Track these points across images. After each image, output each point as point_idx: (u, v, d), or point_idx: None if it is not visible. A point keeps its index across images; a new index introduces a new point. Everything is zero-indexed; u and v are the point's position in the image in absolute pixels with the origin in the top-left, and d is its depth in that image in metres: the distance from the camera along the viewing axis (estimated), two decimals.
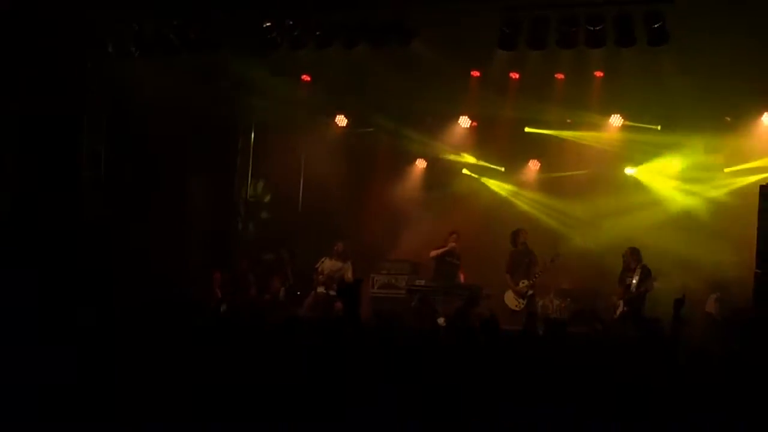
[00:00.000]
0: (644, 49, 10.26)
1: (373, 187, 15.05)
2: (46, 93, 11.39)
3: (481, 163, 15.40)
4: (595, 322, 11.62)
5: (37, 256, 10.60)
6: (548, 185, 14.91)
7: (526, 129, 14.59)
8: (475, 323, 7.53)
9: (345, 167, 14.82)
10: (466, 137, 15.17)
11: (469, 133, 15.10)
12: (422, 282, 13.42)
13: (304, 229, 15.24)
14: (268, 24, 11.19)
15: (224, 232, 14.98)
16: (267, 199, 15.73)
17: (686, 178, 13.95)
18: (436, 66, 11.97)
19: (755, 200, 10.43)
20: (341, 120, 15.19)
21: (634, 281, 11.97)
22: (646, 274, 11.86)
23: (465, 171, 15.54)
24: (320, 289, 13.26)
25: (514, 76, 13.04)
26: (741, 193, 13.04)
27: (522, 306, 12.69)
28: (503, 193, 15.38)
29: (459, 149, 15.36)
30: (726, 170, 13.57)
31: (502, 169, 15.33)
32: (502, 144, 14.86)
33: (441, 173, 15.50)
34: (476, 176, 15.50)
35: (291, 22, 11.12)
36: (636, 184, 14.39)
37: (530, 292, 12.85)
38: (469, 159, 15.46)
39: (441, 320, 11.75)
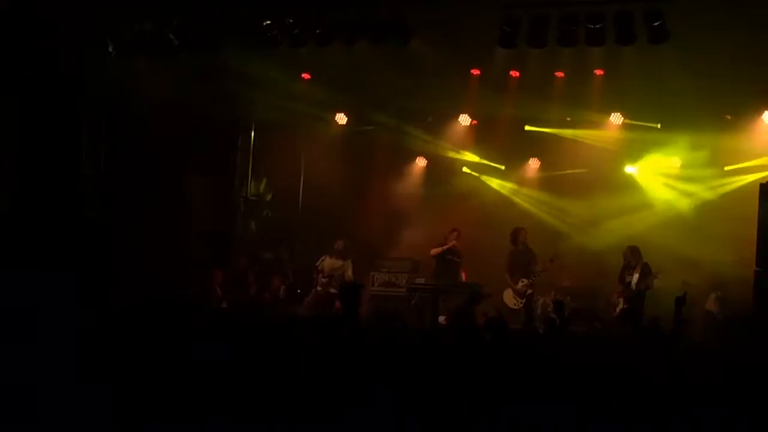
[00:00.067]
0: (644, 47, 10.27)
1: (374, 186, 15.04)
2: (46, 93, 11.39)
3: (482, 161, 15.41)
4: (595, 321, 11.61)
5: (37, 255, 10.60)
6: (548, 184, 14.91)
7: (527, 127, 14.58)
8: (477, 321, 7.52)
9: (345, 165, 14.81)
10: (467, 135, 15.17)
11: (470, 132, 15.09)
12: (422, 280, 13.41)
13: (305, 228, 15.25)
14: (268, 22, 11.19)
15: (224, 231, 14.98)
16: (269, 197, 15.74)
17: (686, 176, 13.94)
18: (437, 64, 11.96)
19: (755, 198, 10.42)
20: (341, 118, 15.19)
21: (634, 279, 11.97)
22: (646, 272, 11.86)
23: (465, 169, 15.54)
24: (320, 288, 13.26)
25: (514, 74, 13.03)
26: (741, 191, 13.04)
27: (520, 305, 12.71)
28: (503, 191, 15.38)
29: (459, 147, 15.36)
30: (726, 168, 13.56)
31: (503, 167, 15.34)
32: (503, 142, 14.85)
33: (441, 172, 15.50)
34: (476, 174, 15.50)
35: (291, 21, 11.12)
36: (636, 183, 14.39)
37: (529, 291, 12.85)
38: (470, 157, 15.46)
39: (442, 318, 11.75)
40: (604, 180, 14.29)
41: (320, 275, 13.31)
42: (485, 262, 13.44)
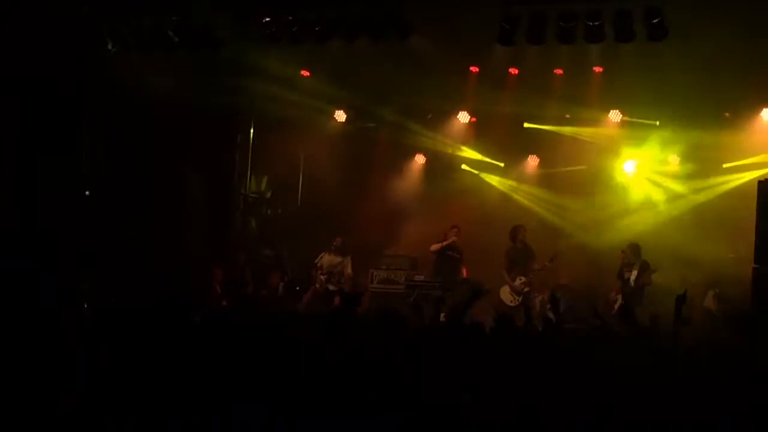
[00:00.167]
0: (643, 44, 10.27)
1: (373, 183, 15.05)
2: (46, 91, 11.38)
3: (481, 158, 15.42)
4: (594, 318, 11.60)
5: (37, 254, 10.59)
6: (547, 180, 14.92)
7: (525, 124, 14.60)
8: (477, 319, 7.53)
9: (344, 163, 14.83)
10: (466, 132, 15.19)
11: (469, 129, 15.11)
12: (422, 277, 13.44)
13: (304, 225, 15.24)
14: (267, 19, 11.19)
15: (224, 229, 14.98)
16: (269, 195, 15.75)
17: (685, 173, 13.96)
18: (435, 61, 11.96)
19: (754, 196, 10.43)
20: (340, 115, 15.19)
21: (632, 276, 11.99)
22: (645, 268, 11.88)
23: (464, 166, 15.56)
24: (319, 285, 13.27)
25: (513, 71, 13.05)
26: (739, 188, 13.07)
27: (517, 302, 12.70)
28: (502, 188, 15.40)
29: (458, 144, 15.37)
30: (725, 166, 13.59)
31: (502, 164, 15.36)
32: (502, 139, 14.87)
33: (440, 168, 15.53)
34: (476, 172, 15.52)
35: (290, 18, 11.12)
36: (635, 180, 14.40)
37: (526, 289, 12.86)
38: (469, 154, 15.47)
39: (441, 316, 11.73)
40: (603, 177, 14.32)
41: (319, 272, 13.32)
42: (484, 258, 13.46)
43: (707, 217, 13.10)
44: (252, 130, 15.36)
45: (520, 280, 12.90)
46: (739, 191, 12.88)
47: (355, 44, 11.24)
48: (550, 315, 8.95)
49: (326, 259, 13.39)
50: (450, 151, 15.46)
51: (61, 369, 4.82)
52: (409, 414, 4.39)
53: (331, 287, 13.12)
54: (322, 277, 13.28)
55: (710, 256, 12.29)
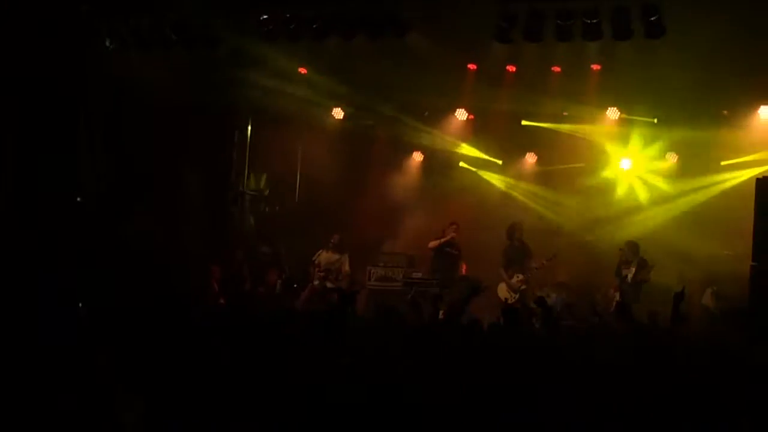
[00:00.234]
0: (641, 42, 10.27)
1: (370, 180, 15.06)
2: (44, 89, 11.37)
3: (479, 155, 15.42)
4: (591, 316, 11.63)
5: (37, 254, 10.58)
6: (545, 178, 14.93)
7: (523, 122, 14.59)
8: (475, 315, 7.53)
9: (342, 160, 14.82)
10: (463, 130, 15.18)
11: (466, 126, 15.10)
12: (419, 274, 13.44)
13: (301, 222, 15.23)
14: (265, 17, 11.18)
15: (222, 226, 14.98)
16: (267, 192, 15.74)
17: (682, 171, 13.97)
18: (433, 59, 11.95)
19: (752, 194, 10.43)
20: (338, 113, 15.18)
21: (630, 273, 12.01)
22: (642, 266, 11.90)
23: (462, 164, 15.56)
24: (317, 282, 13.27)
25: (511, 69, 13.03)
26: (737, 186, 13.08)
27: (514, 299, 12.70)
28: (500, 185, 15.40)
29: (456, 142, 15.37)
30: (722, 163, 13.59)
31: (500, 161, 15.36)
32: (499, 137, 14.87)
33: (438, 166, 15.52)
34: (473, 169, 15.52)
35: (288, 15, 11.12)
36: (632, 177, 14.40)
37: (523, 287, 12.86)
38: (467, 151, 15.47)
39: (440, 313, 11.73)
40: (601, 174, 14.32)
41: (317, 269, 13.33)
42: (482, 256, 13.45)
43: (705, 215, 13.11)
44: (250, 128, 15.36)
45: (518, 277, 12.89)
46: (737, 189, 12.89)
47: (353, 42, 11.24)
48: (536, 323, 8.97)
49: (324, 256, 13.40)
50: (448, 148, 15.45)
51: (61, 369, 4.82)
52: (408, 411, 4.40)
53: (328, 285, 13.13)
54: (319, 274, 13.28)
55: (708, 254, 12.31)
